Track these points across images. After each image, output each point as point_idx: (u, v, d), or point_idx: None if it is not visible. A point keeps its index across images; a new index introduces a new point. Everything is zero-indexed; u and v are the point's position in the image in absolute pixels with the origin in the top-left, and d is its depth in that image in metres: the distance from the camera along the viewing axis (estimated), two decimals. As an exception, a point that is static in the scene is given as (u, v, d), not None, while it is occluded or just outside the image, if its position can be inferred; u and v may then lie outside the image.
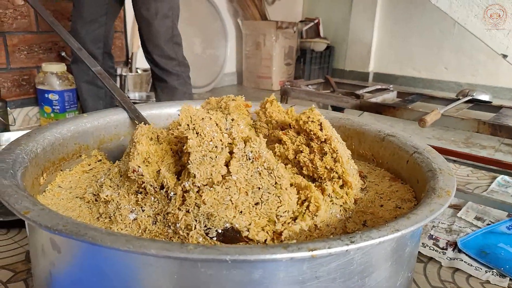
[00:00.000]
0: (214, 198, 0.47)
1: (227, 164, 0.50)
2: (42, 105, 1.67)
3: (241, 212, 0.46)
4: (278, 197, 0.48)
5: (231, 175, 0.48)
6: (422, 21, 3.04)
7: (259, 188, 0.48)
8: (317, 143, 0.57)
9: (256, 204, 0.47)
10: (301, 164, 0.58)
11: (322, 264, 0.38)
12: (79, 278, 0.41)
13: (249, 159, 0.49)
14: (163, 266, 0.36)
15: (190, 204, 0.47)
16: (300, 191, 0.51)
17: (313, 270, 0.38)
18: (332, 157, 0.56)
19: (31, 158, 0.56)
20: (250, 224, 0.46)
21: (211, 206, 0.46)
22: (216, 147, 0.51)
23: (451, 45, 2.95)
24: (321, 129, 0.57)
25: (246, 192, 0.48)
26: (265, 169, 0.49)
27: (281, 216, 0.48)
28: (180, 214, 0.47)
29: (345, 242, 0.36)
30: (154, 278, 0.37)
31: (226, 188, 0.47)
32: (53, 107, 1.65)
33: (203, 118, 0.53)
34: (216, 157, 0.49)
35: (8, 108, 1.60)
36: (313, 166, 0.57)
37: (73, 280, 0.42)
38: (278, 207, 0.48)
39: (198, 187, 0.48)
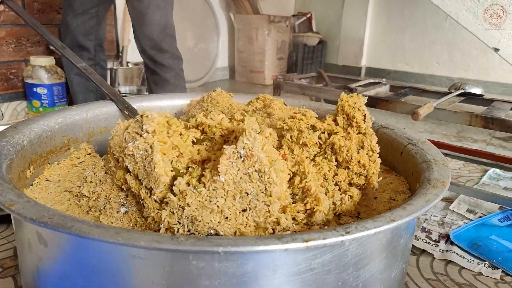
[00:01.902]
0: (199, 201, 0.43)
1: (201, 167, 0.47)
2: (30, 99, 1.64)
3: (226, 218, 0.43)
4: (267, 205, 0.44)
5: (219, 175, 0.43)
6: (414, 16, 3.05)
7: (247, 193, 0.44)
8: (355, 132, 0.55)
9: (244, 210, 0.44)
10: (334, 147, 0.54)
11: (316, 255, 0.37)
12: (67, 273, 0.40)
13: (241, 157, 0.44)
14: (153, 258, 0.35)
15: (174, 207, 0.44)
16: (307, 197, 0.47)
17: (308, 262, 0.37)
18: (368, 154, 0.54)
19: (17, 150, 0.55)
20: (235, 233, 0.43)
21: (196, 208, 0.43)
22: (146, 151, 0.47)
23: (443, 39, 2.96)
24: (364, 120, 0.54)
25: (234, 196, 0.44)
26: (255, 171, 0.44)
27: (267, 228, 0.45)
28: (164, 214, 0.44)
29: (341, 233, 0.35)
30: (144, 271, 0.36)
31: (213, 190, 0.43)
32: (42, 101, 1.62)
33: (125, 139, 0.50)
34: (151, 159, 0.46)
35: (-5, 102, 1.57)
36: (348, 155, 0.53)
37: (61, 274, 0.41)
38: (266, 217, 0.44)
39: (173, 193, 0.46)
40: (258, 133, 0.46)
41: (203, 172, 0.46)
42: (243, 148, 0.44)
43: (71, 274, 0.40)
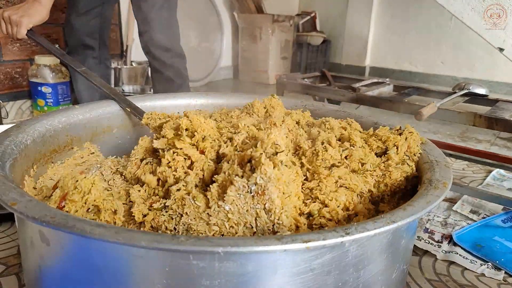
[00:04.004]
0: (196, 211, 0.43)
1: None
2: (35, 98, 1.65)
3: (222, 235, 0.42)
4: None
5: (224, 202, 0.42)
6: (419, 15, 3.03)
7: (252, 226, 0.42)
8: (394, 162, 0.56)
9: None
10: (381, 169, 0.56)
11: (316, 256, 0.37)
12: (69, 271, 0.40)
13: (251, 192, 0.42)
14: (154, 258, 0.36)
15: (173, 213, 0.45)
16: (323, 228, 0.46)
17: (308, 263, 0.37)
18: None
19: (20, 149, 0.55)
20: None
21: (193, 218, 0.43)
22: None
23: (448, 39, 2.94)
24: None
25: (237, 224, 0.42)
26: (263, 209, 0.42)
27: None
28: (162, 218, 0.45)
29: (340, 234, 0.35)
30: (145, 271, 0.36)
31: (214, 211, 0.42)
32: (47, 100, 1.63)
33: None
34: None
35: (0, 101, 1.58)
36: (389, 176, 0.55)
37: (63, 273, 0.41)
38: None
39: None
40: (282, 152, 0.43)
41: (210, 186, 0.45)
42: (255, 184, 0.42)
43: (73, 272, 0.40)
